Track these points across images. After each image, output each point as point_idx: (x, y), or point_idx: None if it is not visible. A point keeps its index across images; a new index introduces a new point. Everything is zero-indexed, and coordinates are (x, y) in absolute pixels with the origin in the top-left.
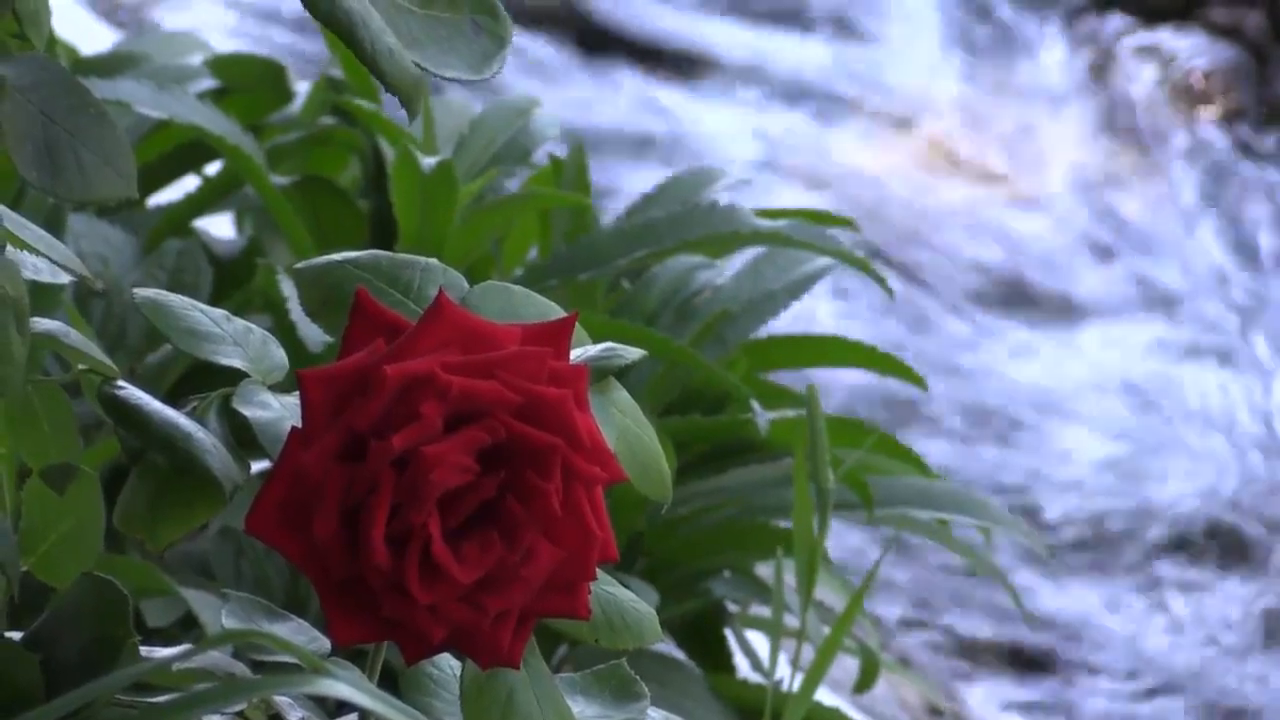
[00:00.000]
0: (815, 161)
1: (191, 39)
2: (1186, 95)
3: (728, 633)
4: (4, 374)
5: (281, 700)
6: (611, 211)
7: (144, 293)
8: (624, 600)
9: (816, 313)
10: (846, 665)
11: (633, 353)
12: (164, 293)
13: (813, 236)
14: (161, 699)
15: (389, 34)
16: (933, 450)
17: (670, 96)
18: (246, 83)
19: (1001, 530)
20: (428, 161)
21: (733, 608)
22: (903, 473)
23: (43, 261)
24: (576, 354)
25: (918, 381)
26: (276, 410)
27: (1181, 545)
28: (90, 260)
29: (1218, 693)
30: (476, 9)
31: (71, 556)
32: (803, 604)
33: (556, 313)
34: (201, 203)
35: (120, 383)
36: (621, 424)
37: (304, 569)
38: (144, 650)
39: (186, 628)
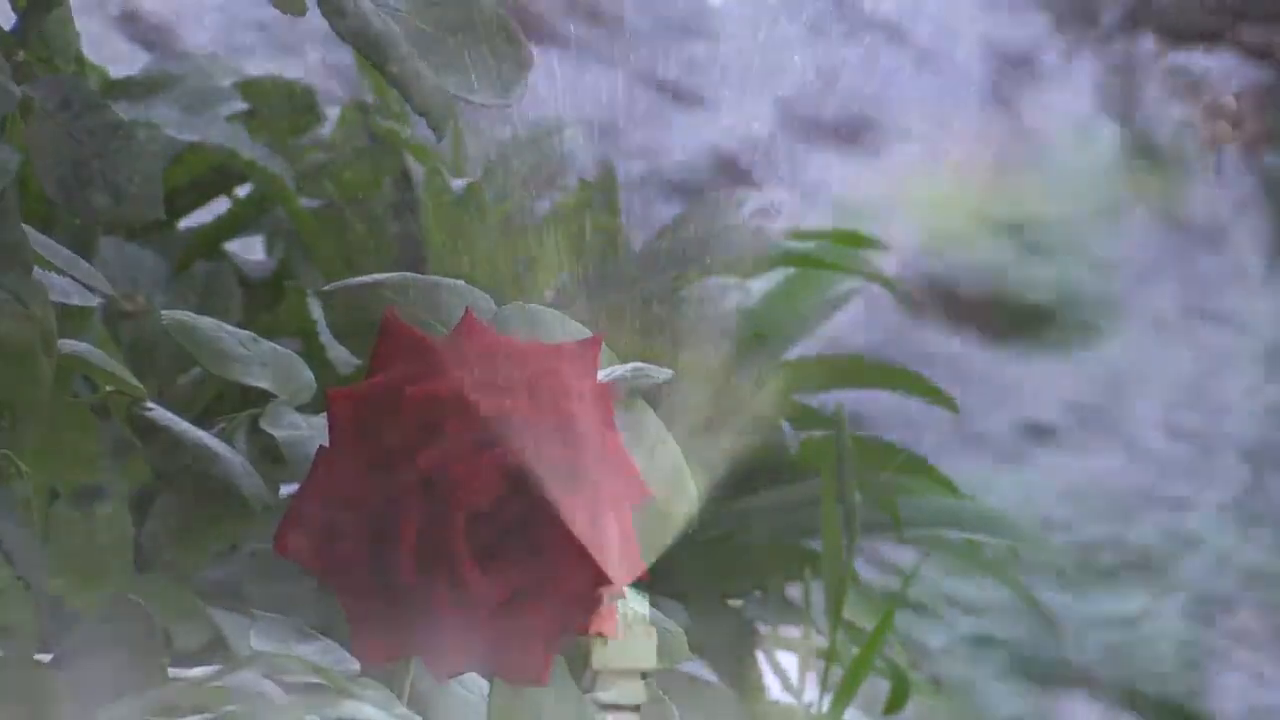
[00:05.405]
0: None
1: (221, 62)
2: (1218, 116)
3: (758, 653)
4: (31, 396)
5: None
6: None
7: (173, 315)
8: (653, 620)
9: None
10: (878, 686)
11: (661, 373)
12: (193, 315)
13: (842, 257)
14: None
15: (417, 57)
16: None
17: None
18: (276, 105)
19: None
20: (457, 184)
21: (763, 628)
22: (932, 493)
23: (71, 283)
24: (604, 374)
25: (947, 402)
26: (305, 430)
27: None
28: (120, 283)
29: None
30: (498, 37)
31: (100, 578)
32: (831, 624)
33: (585, 334)
34: (231, 225)
35: (149, 404)
36: (649, 444)
37: (332, 588)
38: (172, 671)
39: (215, 649)
